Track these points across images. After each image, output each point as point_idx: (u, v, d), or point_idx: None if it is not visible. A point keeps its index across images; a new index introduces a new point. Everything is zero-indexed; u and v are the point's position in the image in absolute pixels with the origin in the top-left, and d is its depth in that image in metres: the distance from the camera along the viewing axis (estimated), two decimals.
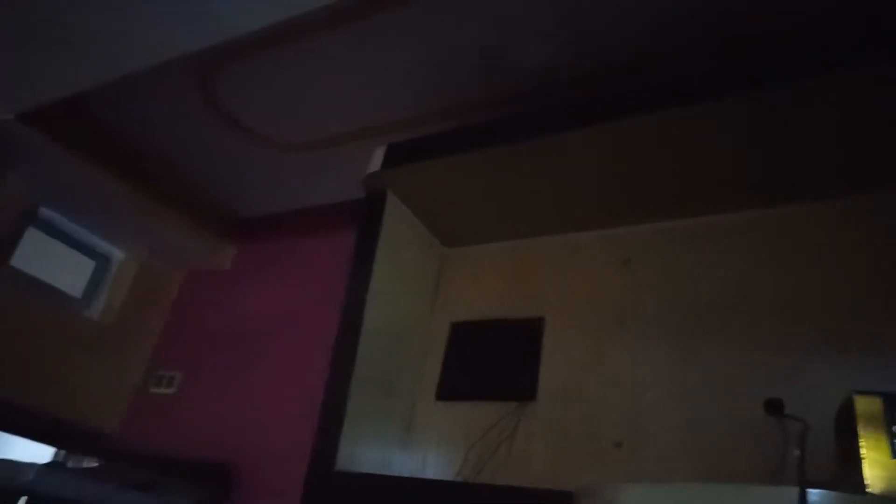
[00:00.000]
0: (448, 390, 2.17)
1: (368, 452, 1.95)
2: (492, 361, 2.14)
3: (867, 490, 1.15)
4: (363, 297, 2.04)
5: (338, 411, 1.90)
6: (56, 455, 2.69)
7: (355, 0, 1.84)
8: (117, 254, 3.16)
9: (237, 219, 3.22)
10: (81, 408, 2.82)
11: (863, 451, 1.19)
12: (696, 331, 1.83)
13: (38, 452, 2.54)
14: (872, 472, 1.16)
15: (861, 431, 1.21)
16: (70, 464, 2.53)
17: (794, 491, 1.11)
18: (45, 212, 2.85)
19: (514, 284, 2.25)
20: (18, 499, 1.13)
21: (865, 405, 1.24)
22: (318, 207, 2.96)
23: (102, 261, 3.12)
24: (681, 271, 1.94)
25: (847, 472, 1.24)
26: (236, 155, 2.71)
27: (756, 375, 1.69)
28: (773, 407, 1.56)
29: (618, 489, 1.37)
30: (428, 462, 2.07)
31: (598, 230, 2.15)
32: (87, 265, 3.06)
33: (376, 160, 2.13)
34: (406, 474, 2.03)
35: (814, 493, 1.11)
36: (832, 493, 1.06)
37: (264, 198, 3.06)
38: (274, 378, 2.62)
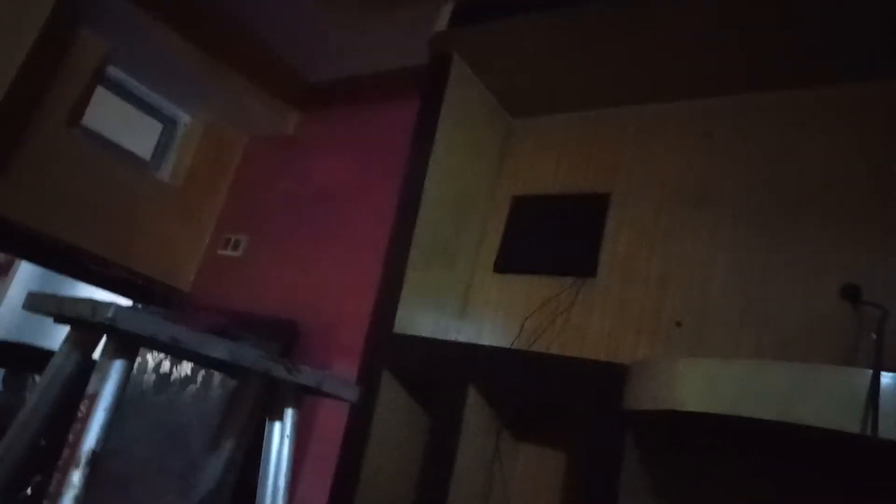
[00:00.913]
0: (507, 263, 2.16)
1: (426, 318, 2.00)
2: (552, 236, 2.10)
3: None
4: (425, 165, 2.00)
5: (397, 278, 1.92)
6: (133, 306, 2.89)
7: None
8: (184, 116, 3.18)
9: (303, 84, 3.16)
10: (156, 265, 2.96)
11: None
12: (774, 212, 1.72)
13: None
14: None
15: None
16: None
17: (867, 373, 1.07)
18: (114, 71, 2.86)
19: (583, 158, 2.15)
20: (101, 335, 1.20)
21: None
22: (386, 72, 2.86)
23: (170, 123, 3.16)
24: (766, 149, 1.81)
25: None
26: (300, 15, 2.61)
27: (834, 261, 1.60)
28: (850, 293, 1.49)
29: (677, 362, 1.35)
30: (483, 331, 2.11)
31: (679, 101, 2.00)
32: (154, 127, 3.11)
33: (443, 18, 2.00)
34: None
35: (888, 377, 1.06)
36: None
37: (333, 61, 2.97)
38: (337, 243, 2.67)
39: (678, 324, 1.75)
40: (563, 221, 2.11)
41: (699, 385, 1.29)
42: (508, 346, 1.95)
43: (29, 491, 2.38)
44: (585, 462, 1.51)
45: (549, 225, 2.14)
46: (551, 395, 1.65)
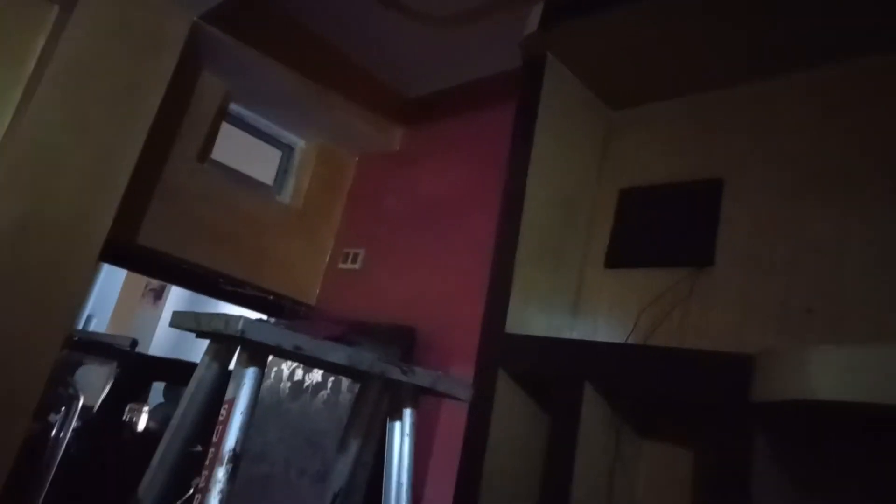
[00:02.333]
0: (618, 257, 2.12)
1: (538, 317, 2.00)
2: (664, 227, 2.03)
3: None
4: (526, 165, 2.01)
5: (505, 278, 1.94)
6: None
7: None
8: (299, 142, 3.40)
9: (404, 100, 3.28)
10: (283, 281, 3.18)
11: None
12: None
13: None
14: None
15: None
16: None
17: None
18: (235, 107, 3.12)
19: (689, 145, 2.07)
20: (235, 346, 1.31)
21: None
22: (481, 80, 2.90)
23: (287, 150, 3.39)
24: (892, 115, 1.65)
25: None
26: (398, 34, 2.72)
27: None
28: None
29: (811, 350, 1.26)
30: (598, 328, 2.08)
31: (792, 74, 1.87)
32: (274, 154, 3.35)
33: (533, 21, 2.01)
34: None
35: None
36: None
37: (429, 76, 3.07)
38: (448, 249, 2.74)
39: (809, 310, 1.63)
40: (674, 211, 2.04)
41: (835, 373, 1.20)
42: (623, 341, 1.90)
43: (192, 491, 2.64)
44: (714, 458, 1.45)
45: (659, 216, 2.07)
46: (672, 391, 1.60)
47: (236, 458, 1.13)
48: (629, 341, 1.90)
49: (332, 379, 2.65)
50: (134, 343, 3.38)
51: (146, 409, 3.39)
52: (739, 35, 1.80)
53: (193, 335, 1.37)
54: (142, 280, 5.96)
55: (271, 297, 3.14)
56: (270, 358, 1.35)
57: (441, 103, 3.15)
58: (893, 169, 1.62)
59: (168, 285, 5.81)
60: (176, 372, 3.49)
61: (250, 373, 1.19)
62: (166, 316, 5.63)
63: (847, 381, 1.18)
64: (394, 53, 2.92)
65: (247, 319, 1.16)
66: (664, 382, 1.56)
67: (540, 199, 2.02)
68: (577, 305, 2.15)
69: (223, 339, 1.31)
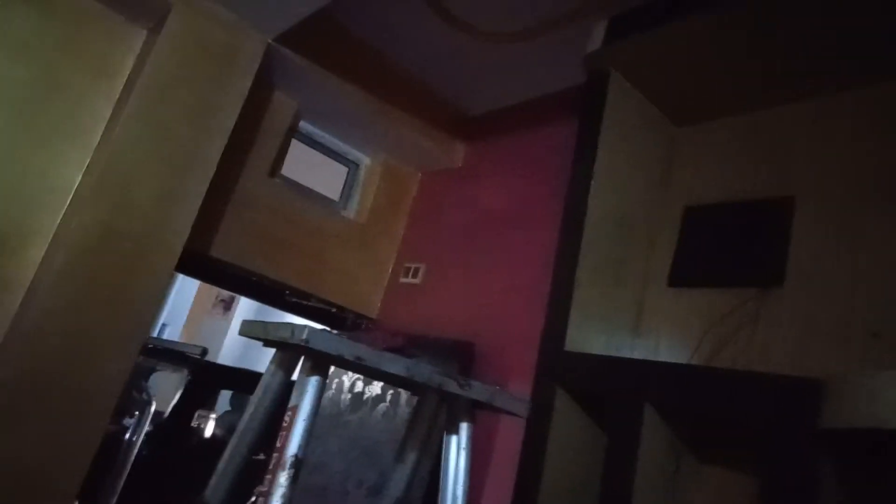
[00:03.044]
0: (682, 276, 2.08)
1: (597, 336, 1.98)
2: (730, 246, 1.98)
3: None
4: (587, 183, 2.00)
5: (565, 296, 1.93)
6: None
7: None
8: (365, 159, 3.50)
9: (466, 118, 3.33)
10: (346, 294, 3.26)
11: None
12: None
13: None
14: None
15: None
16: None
17: None
18: (304, 125, 3.24)
19: (756, 162, 2.01)
20: (300, 355, 1.36)
21: None
22: (543, 97, 2.92)
23: (353, 166, 3.49)
24: None
25: None
26: (458, 53, 2.77)
27: None
28: None
29: (880, 377, 1.21)
30: (660, 348, 2.03)
31: (859, 89, 1.81)
32: (340, 171, 3.46)
33: (596, 37, 2.01)
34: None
35: None
36: None
37: (490, 94, 3.11)
38: (508, 266, 2.75)
39: (875, 335, 1.56)
40: (741, 230, 1.99)
41: None
42: (686, 361, 1.86)
43: (254, 498, 2.73)
44: (777, 486, 1.39)
45: (726, 234, 2.02)
46: (736, 414, 1.55)
47: (298, 463, 1.17)
48: (692, 362, 1.86)
49: (391, 392, 2.69)
50: (204, 352, 3.53)
51: (213, 416, 3.53)
52: (793, 50, 1.76)
53: (260, 345, 1.44)
54: (213, 291, 6.22)
55: (334, 310, 3.22)
56: (332, 369, 1.40)
57: (502, 120, 3.18)
58: None
59: (237, 297, 6.05)
60: (242, 381, 3.62)
61: (313, 381, 1.24)
62: (235, 326, 5.85)
63: None
64: (456, 71, 2.98)
65: (311, 329, 1.21)
66: (727, 405, 1.52)
67: (601, 216, 2.01)
68: (639, 324, 2.12)
69: (288, 348, 1.37)
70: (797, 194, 1.88)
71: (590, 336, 1.95)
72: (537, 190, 2.77)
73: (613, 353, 1.99)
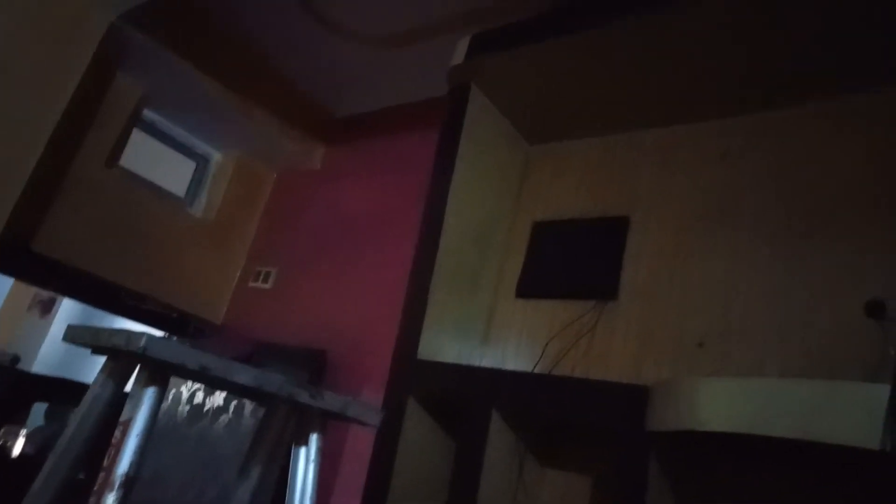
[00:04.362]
0: (529, 288, 2.19)
1: (449, 344, 2.02)
2: (574, 260, 2.12)
3: None
4: (445, 193, 2.05)
5: (420, 304, 1.96)
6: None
7: None
8: (216, 154, 3.31)
9: (328, 119, 3.26)
10: (190, 298, 3.06)
11: None
12: (794, 228, 1.72)
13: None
14: None
15: None
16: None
17: (885, 388, 1.06)
18: (149, 113, 3.00)
19: (601, 182, 2.18)
20: (135, 365, 1.25)
21: None
22: (410, 105, 2.94)
23: (202, 161, 3.29)
24: (782, 166, 1.81)
25: None
26: (327, 53, 2.71)
27: (858, 277, 1.59)
28: (875, 309, 1.48)
29: (697, 383, 1.35)
30: (507, 356, 2.12)
31: (693, 123, 2.02)
32: (187, 165, 3.24)
33: (460, 52, 2.07)
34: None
35: None
36: None
37: (356, 97, 3.07)
38: (363, 273, 2.73)
39: (700, 345, 1.75)
40: (583, 245, 2.13)
41: (720, 404, 1.29)
42: (531, 370, 1.96)
43: None
44: (611, 485, 1.50)
45: (570, 249, 2.16)
46: (574, 419, 1.66)
47: (129, 482, 1.07)
48: (536, 370, 1.96)
49: (234, 403, 2.56)
50: (15, 359, 3.13)
51: (24, 431, 3.14)
52: (641, 82, 1.93)
53: (84, 352, 1.30)
54: (29, 291, 5.53)
55: (175, 315, 3.00)
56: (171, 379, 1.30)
57: (367, 125, 3.17)
58: (773, 212, 1.78)
59: (59, 297, 5.44)
60: (61, 391, 3.26)
61: (150, 392, 1.14)
62: (56, 330, 5.24)
63: (730, 412, 1.27)
64: (323, 70, 2.91)
65: (150, 336, 1.11)
66: (567, 411, 1.62)
67: (457, 227, 2.06)
68: (488, 334, 2.20)
69: (122, 356, 1.25)
70: (633, 214, 2.06)
71: (442, 344, 1.99)
72: (397, 198, 2.78)
73: (465, 361, 2.05)
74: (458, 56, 2.08)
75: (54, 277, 2.65)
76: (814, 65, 1.70)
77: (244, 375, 1.19)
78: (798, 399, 1.17)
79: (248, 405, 2.50)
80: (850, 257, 1.62)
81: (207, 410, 2.62)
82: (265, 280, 3.11)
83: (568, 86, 2.05)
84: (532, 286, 2.18)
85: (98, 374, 1.30)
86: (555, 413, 1.66)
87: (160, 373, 1.16)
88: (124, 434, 1.10)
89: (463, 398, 1.78)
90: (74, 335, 1.28)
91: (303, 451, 1.40)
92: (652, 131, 2.12)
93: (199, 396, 2.68)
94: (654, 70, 1.87)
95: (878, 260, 1.57)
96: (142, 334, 1.11)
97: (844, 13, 1.52)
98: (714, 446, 1.48)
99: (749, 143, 1.90)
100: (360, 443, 2.26)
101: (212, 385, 2.20)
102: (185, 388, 2.73)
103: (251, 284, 3.16)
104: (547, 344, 1.99)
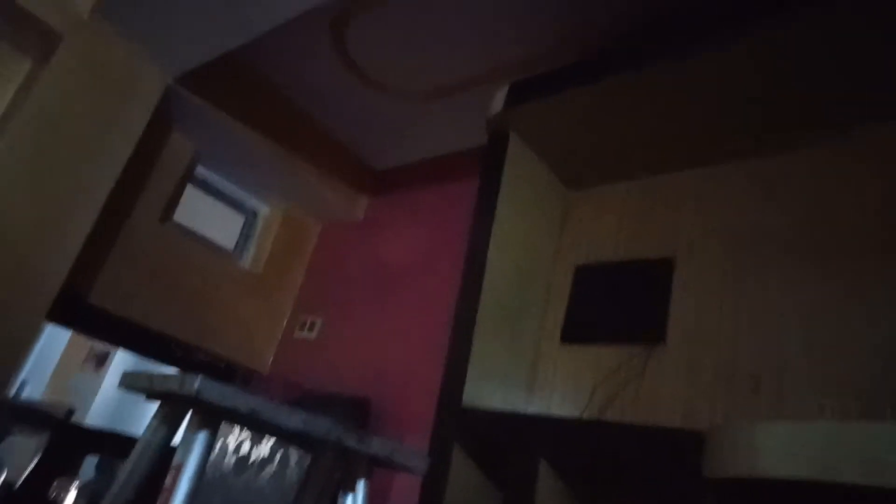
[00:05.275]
0: (574, 333, 2.16)
1: (494, 391, 2.00)
2: (618, 304, 2.09)
3: None
4: (486, 240, 2.06)
5: (463, 351, 1.95)
6: None
7: None
8: (263, 208, 3.42)
9: (370, 171, 3.36)
10: (237, 348, 3.11)
11: None
12: (846, 258, 1.67)
13: None
14: None
15: None
16: None
17: None
18: (200, 170, 3.14)
19: (642, 225, 2.17)
20: (187, 409, 1.27)
21: None
22: (447, 156, 3.01)
23: (250, 215, 3.39)
24: (825, 198, 1.78)
25: None
26: (368, 109, 2.82)
27: None
28: None
29: (756, 427, 1.30)
30: (553, 403, 2.08)
31: (733, 162, 2.01)
32: (237, 219, 3.35)
33: (498, 101, 2.12)
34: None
35: None
36: None
37: (396, 149, 3.17)
38: (406, 322, 2.74)
39: (755, 384, 1.69)
40: (627, 288, 2.11)
41: (779, 449, 1.24)
42: (578, 416, 1.91)
43: None
44: None
45: (614, 292, 2.14)
46: (625, 466, 1.60)
47: None
48: (584, 416, 1.91)
49: (279, 454, 2.56)
50: (70, 412, 3.21)
51: (76, 483, 3.19)
52: (679, 123, 1.94)
53: (135, 405, 1.33)
54: (85, 345, 5.71)
55: (223, 365, 3.05)
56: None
57: (407, 176, 3.24)
58: (823, 249, 1.73)
59: (112, 351, 5.59)
60: (113, 444, 3.30)
61: (201, 437, 1.16)
62: (109, 383, 5.37)
63: (790, 457, 1.21)
64: (364, 126, 3.02)
65: (203, 378, 1.13)
66: (617, 458, 1.57)
67: (500, 273, 2.06)
68: (534, 380, 2.16)
69: (175, 401, 1.28)
70: (676, 255, 2.03)
71: (487, 391, 1.97)
72: (438, 246, 2.81)
73: (510, 408, 2.02)
74: (497, 104, 2.12)
75: (108, 329, 2.74)
76: (839, 105, 1.69)
77: (293, 419, 1.20)
78: (863, 442, 1.11)
79: (294, 456, 2.50)
80: None
81: (253, 462, 2.62)
82: (310, 329, 3.14)
83: (602, 131, 2.07)
84: (577, 331, 2.16)
85: (151, 419, 1.33)
86: (604, 461, 1.61)
87: (212, 417, 1.18)
88: (175, 478, 1.12)
89: (509, 446, 1.75)
90: (130, 381, 1.32)
91: (350, 497, 1.39)
92: (689, 171, 2.12)
93: (246, 447, 2.69)
94: (688, 111, 1.88)
95: None
96: (195, 377, 1.13)
97: (868, 57, 1.52)
98: (776, 494, 1.41)
99: (789, 179, 1.87)
100: (406, 491, 2.22)
101: (261, 430, 2.21)
102: (232, 439, 2.75)
103: (297, 334, 3.20)
104: (595, 389, 1.95)
